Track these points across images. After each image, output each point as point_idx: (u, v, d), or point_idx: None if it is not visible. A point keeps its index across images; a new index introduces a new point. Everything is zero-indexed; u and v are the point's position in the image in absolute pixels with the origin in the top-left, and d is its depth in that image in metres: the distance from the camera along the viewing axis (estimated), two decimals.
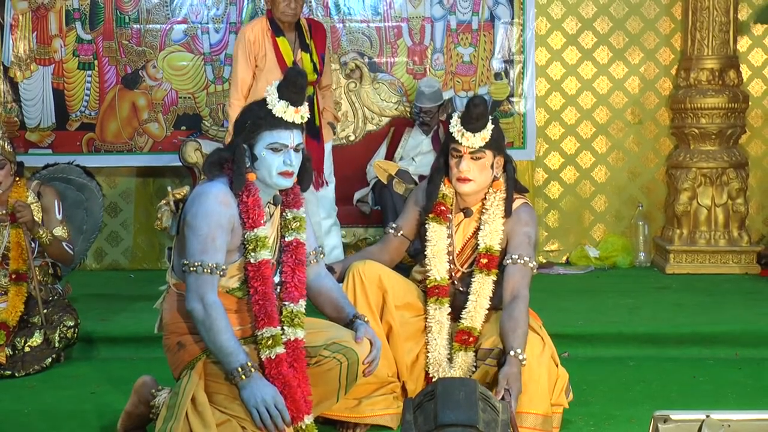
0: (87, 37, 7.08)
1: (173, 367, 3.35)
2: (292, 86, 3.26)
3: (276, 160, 3.27)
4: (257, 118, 3.27)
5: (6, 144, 4.76)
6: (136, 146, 7.11)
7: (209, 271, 3.18)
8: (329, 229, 5.93)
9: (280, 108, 3.25)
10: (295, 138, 3.29)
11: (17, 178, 4.85)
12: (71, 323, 4.75)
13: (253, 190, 3.28)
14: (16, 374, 4.55)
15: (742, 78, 6.87)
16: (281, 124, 3.26)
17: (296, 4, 5.54)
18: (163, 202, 3.41)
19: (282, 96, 3.26)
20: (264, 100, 3.29)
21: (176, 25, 7.08)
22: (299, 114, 3.28)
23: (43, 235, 4.78)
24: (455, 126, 3.70)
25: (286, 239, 3.40)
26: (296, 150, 3.30)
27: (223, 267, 3.22)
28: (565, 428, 3.71)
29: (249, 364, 3.17)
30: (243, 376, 3.16)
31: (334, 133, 6.10)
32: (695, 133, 6.77)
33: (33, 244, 4.80)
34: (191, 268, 3.19)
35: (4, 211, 4.76)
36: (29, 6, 7.06)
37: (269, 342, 3.26)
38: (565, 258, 7.27)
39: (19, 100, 7.09)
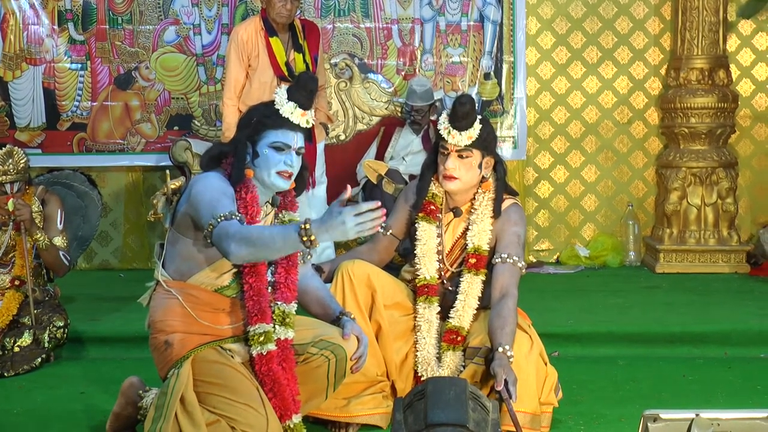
0: (80, 37, 7.07)
1: (160, 366, 3.34)
2: (303, 90, 3.29)
3: (277, 159, 3.27)
4: (263, 117, 3.30)
5: (20, 161, 4.74)
6: (128, 146, 7.10)
7: (224, 217, 3.05)
8: None
9: (287, 108, 3.28)
10: (298, 140, 3.32)
11: (27, 187, 4.86)
12: (61, 323, 4.74)
13: (251, 187, 3.28)
14: (6, 374, 4.55)
15: (731, 78, 6.88)
16: (287, 124, 3.27)
17: (292, 5, 5.54)
18: (160, 191, 3.40)
19: (291, 97, 3.29)
20: (272, 100, 3.32)
21: (169, 26, 7.07)
22: (305, 117, 3.30)
23: (41, 239, 4.78)
24: (443, 124, 3.71)
25: None
26: (298, 153, 3.32)
27: (237, 214, 3.10)
28: (555, 427, 3.71)
29: (304, 226, 2.92)
30: (305, 236, 2.91)
31: (327, 134, 6.10)
32: (685, 132, 6.79)
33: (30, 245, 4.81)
34: (208, 228, 3.06)
35: (7, 216, 4.75)
36: (20, 5, 7.04)
37: (261, 338, 3.26)
38: (555, 257, 7.28)
39: (9, 100, 7.08)
